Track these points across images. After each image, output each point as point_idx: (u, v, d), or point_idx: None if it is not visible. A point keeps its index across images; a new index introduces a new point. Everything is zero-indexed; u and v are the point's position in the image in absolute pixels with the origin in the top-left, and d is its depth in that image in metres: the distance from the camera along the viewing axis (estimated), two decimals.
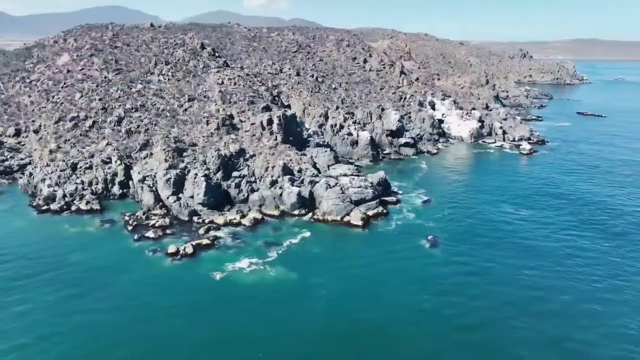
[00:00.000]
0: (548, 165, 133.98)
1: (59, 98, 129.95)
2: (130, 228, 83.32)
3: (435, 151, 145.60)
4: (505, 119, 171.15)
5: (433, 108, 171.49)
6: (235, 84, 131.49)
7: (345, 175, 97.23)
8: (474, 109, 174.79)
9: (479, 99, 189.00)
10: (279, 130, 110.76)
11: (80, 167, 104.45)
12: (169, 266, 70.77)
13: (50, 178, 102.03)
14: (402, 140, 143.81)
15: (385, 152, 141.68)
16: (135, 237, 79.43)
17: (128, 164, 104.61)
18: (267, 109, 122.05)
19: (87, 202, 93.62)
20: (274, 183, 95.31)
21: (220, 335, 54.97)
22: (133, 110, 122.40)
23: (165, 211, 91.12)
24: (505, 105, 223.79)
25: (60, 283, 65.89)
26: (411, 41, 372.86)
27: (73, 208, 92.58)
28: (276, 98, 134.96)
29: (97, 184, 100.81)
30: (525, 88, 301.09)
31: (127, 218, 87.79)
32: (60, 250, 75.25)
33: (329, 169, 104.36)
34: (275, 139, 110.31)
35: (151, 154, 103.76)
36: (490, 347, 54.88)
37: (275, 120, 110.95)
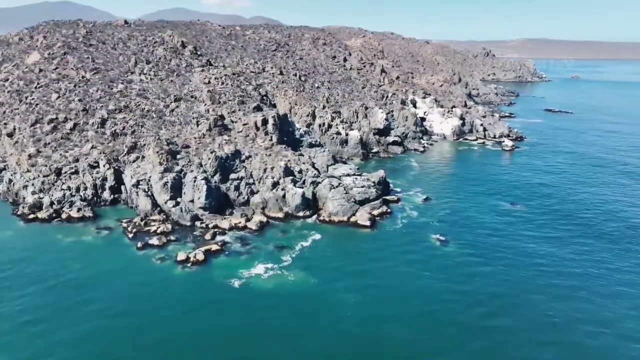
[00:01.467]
0: (531, 160, 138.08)
1: (33, 99, 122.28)
2: (130, 235, 79.27)
3: (422, 149, 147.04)
4: (484, 117, 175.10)
5: (414, 106, 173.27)
6: (222, 83, 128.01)
7: (348, 175, 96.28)
8: (454, 106, 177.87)
9: (456, 97, 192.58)
10: (274, 130, 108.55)
11: (65, 172, 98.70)
12: (181, 274, 67.71)
13: (33, 185, 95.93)
14: (390, 139, 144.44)
15: (373, 150, 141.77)
16: (139, 244, 75.60)
17: (117, 167, 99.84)
18: (258, 109, 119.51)
19: (79, 209, 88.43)
20: (275, 184, 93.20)
21: (254, 346, 52.92)
22: (116, 112, 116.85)
23: (164, 216, 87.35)
24: (478, 103, 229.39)
25: (67, 293, 62.16)
26: (379, 40, 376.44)
27: (63, 216, 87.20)
28: (264, 98, 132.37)
29: (85, 189, 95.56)
30: (494, 86, 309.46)
31: (125, 225, 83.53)
32: (59, 260, 70.70)
33: (328, 169, 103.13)
34: (271, 140, 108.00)
35: (143, 156, 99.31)
36: (517, 332, 56.91)
37: (270, 121, 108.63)
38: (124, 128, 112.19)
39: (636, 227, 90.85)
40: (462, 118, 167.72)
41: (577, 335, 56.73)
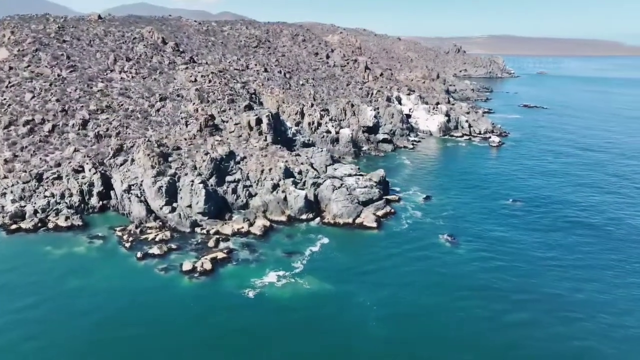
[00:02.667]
0: (519, 156, 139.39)
1: (4, 99, 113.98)
2: (127, 245, 74.29)
3: (411, 146, 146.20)
4: (468, 113, 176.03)
5: (399, 103, 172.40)
6: (210, 81, 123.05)
7: (350, 175, 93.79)
8: (438, 103, 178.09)
9: (439, 94, 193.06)
10: (269, 130, 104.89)
11: (47, 178, 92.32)
12: (189, 285, 63.71)
13: (12, 192, 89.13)
14: (380, 136, 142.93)
15: (363, 148, 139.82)
16: (138, 254, 70.87)
17: (103, 172, 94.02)
18: (249, 107, 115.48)
19: (67, 218, 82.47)
20: (275, 187, 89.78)
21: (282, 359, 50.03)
22: (98, 112, 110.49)
23: (160, 223, 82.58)
24: (456, 99, 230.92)
25: (66, 308, 57.59)
26: (355, 36, 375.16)
27: (50, 225, 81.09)
28: (253, 96, 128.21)
29: (71, 196, 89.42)
30: (469, 82, 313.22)
31: (119, 233, 78.42)
32: (52, 273, 65.65)
33: (326, 169, 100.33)
34: (265, 140, 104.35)
35: (132, 160, 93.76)
36: (540, 327, 56.84)
37: (265, 120, 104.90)
38: (107, 129, 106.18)
39: (632, 217, 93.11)
40: (447, 114, 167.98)
41: (601, 327, 57.27)
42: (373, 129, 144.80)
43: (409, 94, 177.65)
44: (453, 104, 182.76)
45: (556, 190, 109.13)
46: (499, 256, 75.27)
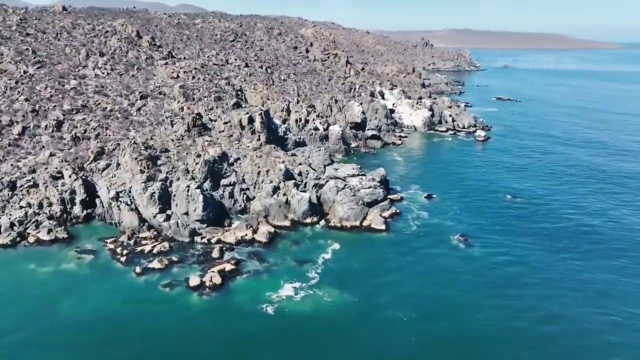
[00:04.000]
0: (507, 150, 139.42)
1: None
2: (123, 259, 67.75)
3: (399, 142, 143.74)
4: (450, 107, 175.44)
5: (383, 98, 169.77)
6: (193, 77, 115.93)
7: (353, 175, 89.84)
8: (421, 97, 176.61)
9: (421, 88, 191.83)
10: (263, 129, 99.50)
11: (22, 186, 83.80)
12: (200, 302, 58.32)
13: None
14: (369, 133, 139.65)
15: (352, 145, 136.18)
16: (137, 269, 64.64)
17: (84, 177, 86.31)
18: (237, 105, 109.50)
19: (49, 230, 74.75)
20: (276, 190, 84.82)
21: None
22: (74, 112, 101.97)
23: (155, 233, 76.21)
24: (432, 93, 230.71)
25: (69, 335, 51.16)
26: (328, 30, 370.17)
27: (31, 239, 73.28)
28: (239, 93, 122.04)
29: (50, 205, 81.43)
30: (444, 76, 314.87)
31: (111, 246, 71.63)
32: (43, 296, 58.63)
33: (325, 169, 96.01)
34: (259, 139, 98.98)
35: (117, 164, 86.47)
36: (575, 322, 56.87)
37: (257, 119, 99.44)
38: (85, 131, 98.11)
39: (627, 207, 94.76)
40: (431, 109, 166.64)
41: (627, 320, 57.19)
42: (360, 125, 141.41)
43: (391, 89, 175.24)
44: (435, 99, 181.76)
45: (549, 183, 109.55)
46: (512, 252, 74.43)
